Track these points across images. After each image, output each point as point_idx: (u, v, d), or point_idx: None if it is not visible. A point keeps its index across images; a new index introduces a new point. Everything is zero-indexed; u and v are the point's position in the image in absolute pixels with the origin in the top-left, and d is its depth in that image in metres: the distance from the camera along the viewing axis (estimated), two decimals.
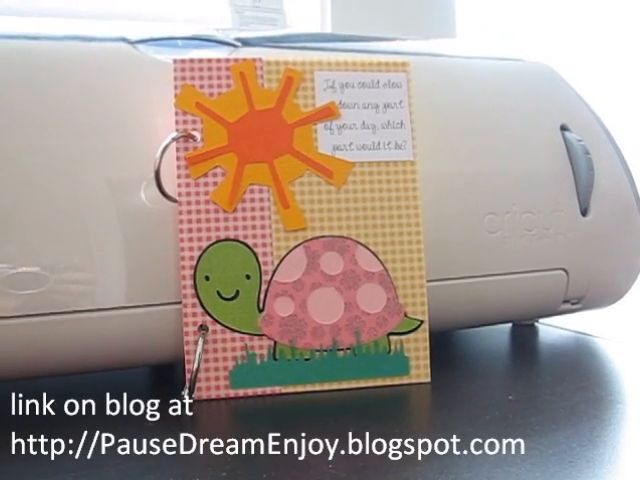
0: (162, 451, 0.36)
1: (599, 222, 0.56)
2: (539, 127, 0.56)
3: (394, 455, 0.35)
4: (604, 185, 0.56)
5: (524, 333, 0.61)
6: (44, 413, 0.41)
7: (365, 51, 0.55)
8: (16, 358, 0.42)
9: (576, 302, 0.57)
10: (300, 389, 0.44)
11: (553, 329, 0.62)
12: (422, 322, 0.46)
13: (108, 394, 0.46)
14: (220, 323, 0.43)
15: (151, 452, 0.36)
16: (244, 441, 0.37)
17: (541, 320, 0.63)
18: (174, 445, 0.37)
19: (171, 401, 0.42)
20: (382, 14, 1.09)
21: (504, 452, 0.34)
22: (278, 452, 0.35)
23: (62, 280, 0.42)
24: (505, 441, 0.35)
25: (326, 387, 0.44)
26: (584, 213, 0.56)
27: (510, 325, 0.63)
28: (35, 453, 0.36)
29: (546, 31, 1.07)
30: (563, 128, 0.57)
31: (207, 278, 0.43)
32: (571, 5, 1.06)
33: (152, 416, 0.41)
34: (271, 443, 0.36)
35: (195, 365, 0.42)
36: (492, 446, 0.35)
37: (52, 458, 0.36)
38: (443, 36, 1.11)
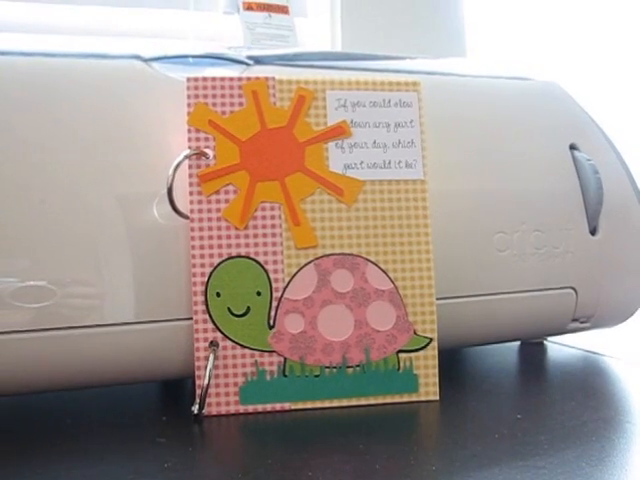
0: (172, 468, 0.36)
1: (608, 241, 0.56)
2: (548, 146, 0.56)
3: (403, 473, 0.35)
4: (613, 204, 0.56)
5: (533, 351, 0.61)
6: (51, 428, 0.42)
7: (376, 70, 0.55)
8: (23, 372, 0.42)
9: (585, 321, 0.57)
10: (309, 406, 0.44)
11: (562, 347, 0.62)
12: (431, 340, 0.46)
13: (117, 409, 0.46)
14: (230, 339, 0.44)
15: (161, 469, 0.36)
16: (254, 458, 0.38)
17: (550, 338, 0.63)
18: (184, 463, 0.37)
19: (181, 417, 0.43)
20: (392, 32, 1.09)
21: (513, 471, 0.34)
22: (288, 469, 0.36)
23: (69, 294, 0.42)
24: (514, 460, 0.36)
25: (335, 404, 0.45)
26: (593, 232, 0.56)
27: (519, 343, 0.63)
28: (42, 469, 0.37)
29: (556, 50, 1.07)
30: (572, 147, 0.57)
31: (218, 294, 0.44)
32: (581, 24, 1.07)
33: (162, 435, 0.41)
34: (281, 460, 0.37)
35: (205, 381, 0.43)
36: (501, 465, 0.35)
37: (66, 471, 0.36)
38: (453, 55, 1.11)
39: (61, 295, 0.42)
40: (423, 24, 1.12)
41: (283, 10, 0.95)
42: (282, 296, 0.44)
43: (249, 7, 0.93)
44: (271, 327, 0.44)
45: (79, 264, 0.42)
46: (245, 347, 0.44)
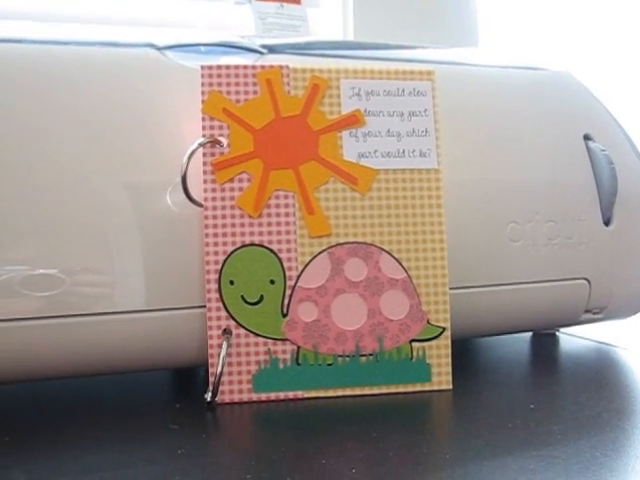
0: (185, 455, 0.36)
1: (622, 231, 0.56)
2: (562, 136, 0.56)
3: (416, 461, 0.35)
4: (627, 194, 0.56)
5: (545, 342, 0.61)
6: (62, 416, 0.42)
7: (389, 59, 0.55)
8: (33, 359, 0.42)
9: (598, 312, 0.57)
10: (322, 394, 0.44)
11: (574, 339, 0.62)
12: (444, 329, 0.46)
13: (129, 397, 0.46)
14: (244, 327, 0.44)
15: (174, 455, 0.36)
16: (267, 445, 0.38)
17: (562, 329, 0.63)
18: (197, 450, 0.37)
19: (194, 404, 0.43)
20: (404, 22, 1.09)
21: (527, 461, 0.34)
22: (301, 456, 0.36)
23: (78, 282, 0.42)
24: (527, 450, 0.36)
25: (348, 392, 0.45)
26: (607, 222, 0.56)
27: (530, 334, 0.62)
28: (55, 454, 0.37)
29: (570, 40, 1.07)
30: (586, 137, 0.57)
31: (232, 282, 0.44)
32: (595, 14, 1.06)
33: (175, 422, 0.41)
34: (294, 448, 0.37)
35: (219, 369, 0.43)
36: (514, 455, 0.35)
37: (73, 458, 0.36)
38: (465, 45, 1.11)
39: (71, 283, 0.42)
40: (435, 14, 1.12)
41: (295, 0, 0.95)
42: (296, 284, 0.44)
43: None
44: (284, 315, 0.44)
45: (90, 252, 0.43)
46: (258, 335, 0.44)
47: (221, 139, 0.45)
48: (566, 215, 0.54)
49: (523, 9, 1.15)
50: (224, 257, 0.44)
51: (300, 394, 0.44)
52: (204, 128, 0.45)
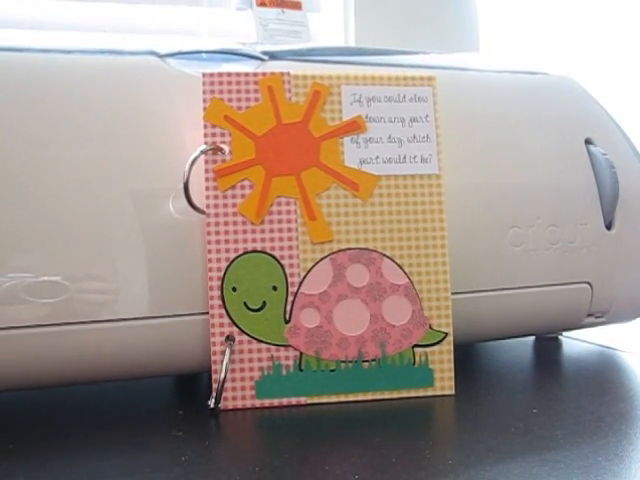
0: (189, 461, 0.36)
1: (624, 235, 0.56)
2: (563, 141, 0.56)
3: (420, 467, 0.35)
4: (629, 199, 0.56)
5: (548, 346, 0.61)
6: (66, 423, 0.42)
7: (390, 65, 0.55)
8: (37, 367, 0.42)
9: (600, 316, 0.57)
10: (325, 400, 0.45)
11: (577, 342, 0.62)
12: (447, 334, 0.46)
13: (133, 403, 0.46)
14: (247, 334, 0.44)
15: (178, 462, 0.36)
16: (270, 451, 0.38)
17: (565, 333, 0.63)
18: (201, 457, 0.37)
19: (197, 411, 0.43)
20: (405, 26, 1.09)
21: (529, 465, 0.34)
22: (304, 463, 0.36)
23: (82, 290, 0.42)
24: (530, 454, 0.36)
25: (351, 398, 0.45)
26: (609, 226, 0.56)
27: (533, 338, 0.63)
28: (59, 461, 0.37)
29: (571, 44, 1.07)
30: (588, 142, 0.57)
31: (234, 289, 0.44)
32: (595, 18, 1.06)
33: (179, 429, 0.41)
34: (297, 454, 0.37)
35: (222, 375, 0.43)
36: (517, 460, 0.35)
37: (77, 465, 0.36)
38: (466, 49, 1.11)
39: (75, 290, 0.42)
40: (436, 19, 1.12)
41: (296, 6, 0.95)
42: (298, 291, 0.45)
43: (262, 3, 0.93)
44: (287, 322, 0.44)
45: (94, 259, 0.43)
46: (261, 341, 0.44)
47: (223, 146, 0.45)
48: (568, 219, 0.54)
49: (524, 13, 1.15)
50: (226, 264, 0.44)
51: (303, 400, 0.44)
52: (206, 135, 0.45)
